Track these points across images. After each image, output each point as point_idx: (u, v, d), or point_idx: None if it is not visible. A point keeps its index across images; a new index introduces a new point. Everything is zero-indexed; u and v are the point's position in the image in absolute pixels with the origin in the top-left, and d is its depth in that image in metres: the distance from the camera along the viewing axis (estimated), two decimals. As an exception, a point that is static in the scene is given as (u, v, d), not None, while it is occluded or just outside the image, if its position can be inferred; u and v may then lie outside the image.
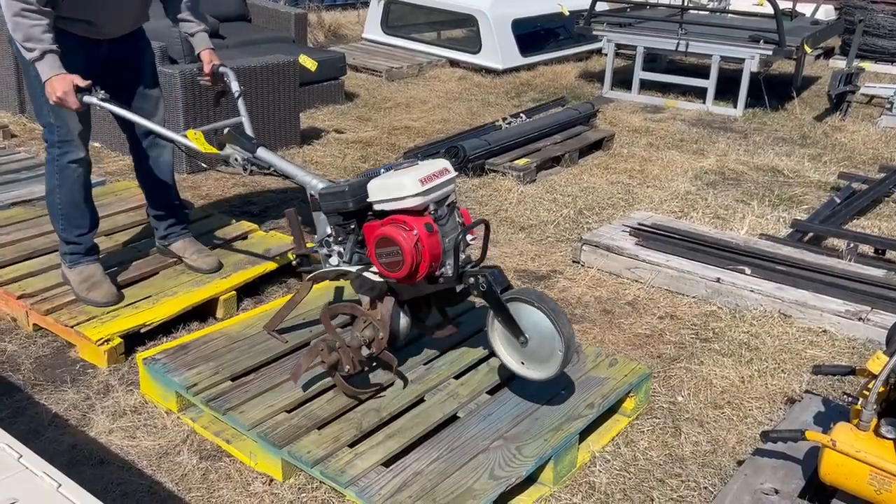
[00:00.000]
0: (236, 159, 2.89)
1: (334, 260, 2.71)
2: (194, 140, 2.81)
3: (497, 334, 2.54)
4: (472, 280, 2.49)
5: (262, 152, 2.87)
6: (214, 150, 2.85)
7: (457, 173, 2.62)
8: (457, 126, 6.25)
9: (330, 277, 2.79)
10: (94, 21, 2.97)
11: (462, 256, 2.59)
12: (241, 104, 3.08)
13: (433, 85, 7.67)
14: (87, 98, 2.79)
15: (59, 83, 2.75)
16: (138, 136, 3.34)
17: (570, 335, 2.40)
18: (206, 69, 3.17)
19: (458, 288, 2.60)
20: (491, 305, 2.49)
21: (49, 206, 3.22)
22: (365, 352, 2.58)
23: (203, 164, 3.18)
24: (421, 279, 2.51)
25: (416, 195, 2.46)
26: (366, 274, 2.60)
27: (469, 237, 2.62)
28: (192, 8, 3.22)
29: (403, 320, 2.66)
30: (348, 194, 2.58)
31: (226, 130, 2.94)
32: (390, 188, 2.50)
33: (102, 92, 2.84)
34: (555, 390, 2.70)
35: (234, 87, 3.13)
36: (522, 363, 2.51)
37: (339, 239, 2.69)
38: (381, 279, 2.57)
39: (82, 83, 2.78)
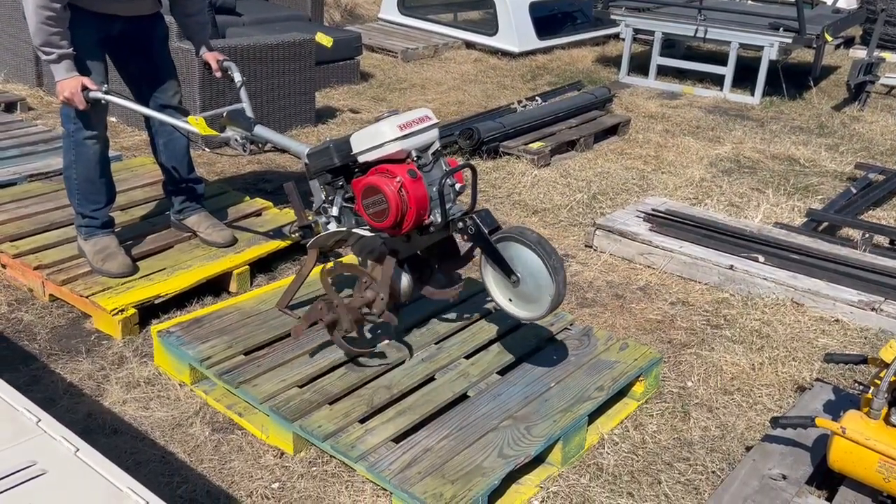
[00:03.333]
0: (236, 139, 3.04)
1: (332, 226, 2.72)
2: (195, 124, 2.92)
3: (489, 273, 2.54)
4: (460, 225, 2.50)
5: (259, 129, 3.00)
6: (214, 133, 2.97)
7: (438, 120, 2.62)
8: (472, 108, 6.23)
9: (329, 244, 2.80)
10: None
11: (454, 205, 2.60)
12: (242, 92, 3.21)
13: (449, 66, 7.65)
14: (91, 94, 2.95)
15: (69, 84, 2.92)
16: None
17: (559, 270, 2.39)
18: (215, 67, 3.32)
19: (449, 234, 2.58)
20: (481, 248, 2.50)
21: (66, 180, 3.27)
22: (365, 311, 2.59)
23: (206, 147, 3.38)
24: (410, 228, 2.50)
25: (395, 140, 2.47)
26: (357, 230, 2.61)
27: (458, 184, 2.62)
28: (198, 12, 3.35)
29: (405, 279, 2.66)
30: (333, 150, 2.62)
31: (225, 114, 3.10)
32: (371, 136, 2.52)
33: (105, 86, 3.02)
34: (565, 372, 2.72)
35: (237, 77, 3.26)
36: (513, 301, 2.52)
37: (331, 199, 2.71)
38: (374, 234, 2.56)
39: (91, 84, 2.94)
